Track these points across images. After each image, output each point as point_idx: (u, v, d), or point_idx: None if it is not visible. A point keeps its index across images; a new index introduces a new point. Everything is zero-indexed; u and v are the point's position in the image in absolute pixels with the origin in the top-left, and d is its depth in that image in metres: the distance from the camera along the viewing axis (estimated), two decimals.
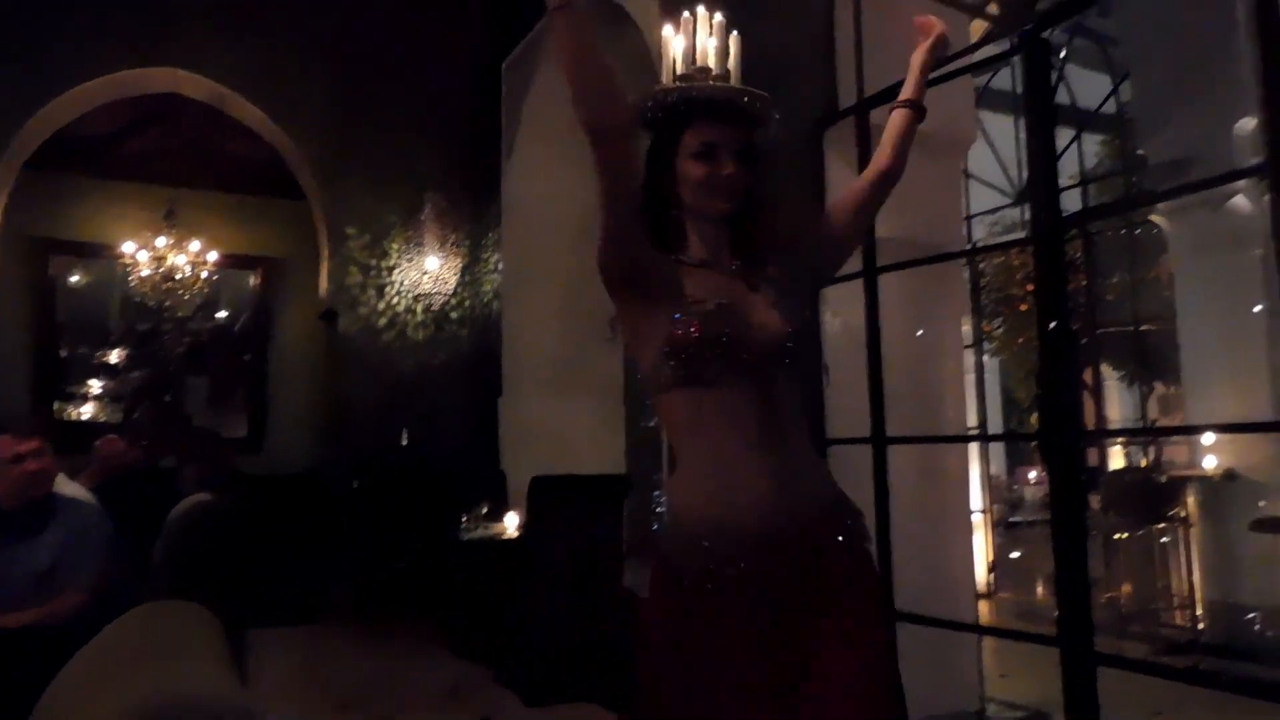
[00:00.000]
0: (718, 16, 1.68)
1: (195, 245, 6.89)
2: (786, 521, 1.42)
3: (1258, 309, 4.92)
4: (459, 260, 6.69)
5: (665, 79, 1.66)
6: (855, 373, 3.11)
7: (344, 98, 6.32)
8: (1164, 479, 5.45)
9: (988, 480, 6.87)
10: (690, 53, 1.66)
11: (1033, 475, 9.93)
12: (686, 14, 1.67)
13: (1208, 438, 5.11)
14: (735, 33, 1.69)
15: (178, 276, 6.87)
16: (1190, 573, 5.03)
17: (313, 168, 6.36)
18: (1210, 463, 5.05)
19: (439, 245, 6.62)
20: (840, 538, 1.47)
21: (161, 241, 6.78)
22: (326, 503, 5.89)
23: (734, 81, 1.67)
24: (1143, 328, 7.35)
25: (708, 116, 1.57)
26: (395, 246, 6.51)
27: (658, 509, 5.64)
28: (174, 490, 4.29)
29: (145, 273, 6.78)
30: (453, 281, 6.66)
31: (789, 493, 1.44)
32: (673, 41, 1.67)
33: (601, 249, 1.51)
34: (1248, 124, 4.65)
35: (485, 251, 6.54)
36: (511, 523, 4.65)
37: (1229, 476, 4.92)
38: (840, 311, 3.27)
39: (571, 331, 5.90)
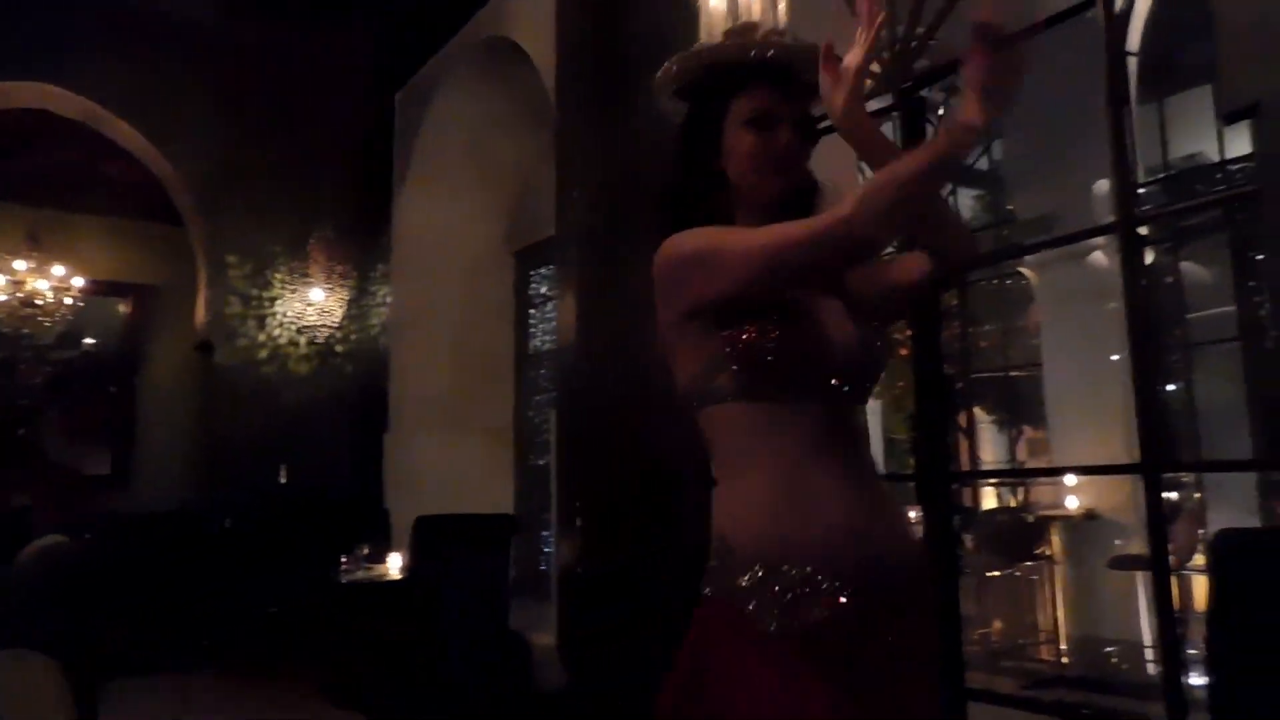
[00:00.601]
0: None
1: (59, 270, 6.51)
2: (879, 563, 1.19)
3: (1116, 357, 5.24)
4: (346, 292, 6.53)
5: (705, 37, 1.46)
6: None
7: (228, 121, 6.12)
8: (1031, 519, 5.72)
9: None
10: (734, 6, 1.45)
11: (912, 515, 10.23)
12: None
13: (1070, 479, 5.38)
14: None
15: (38, 302, 6.46)
16: (1055, 609, 5.26)
17: (192, 192, 6.12)
18: (1073, 503, 5.33)
19: (325, 276, 6.44)
20: (919, 588, 1.26)
21: (21, 265, 6.38)
22: (199, 543, 5.59)
23: (788, 39, 1.43)
24: (1012, 373, 7.74)
25: (763, 80, 1.32)
26: (278, 276, 6.30)
27: (546, 550, 5.58)
28: (26, 532, 4.00)
29: (2, 298, 6.36)
30: (339, 314, 6.48)
31: (879, 530, 1.22)
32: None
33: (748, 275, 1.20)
34: (1104, 184, 4.99)
35: (374, 284, 6.40)
36: (394, 564, 4.51)
37: (1090, 516, 5.19)
38: None
39: (462, 370, 5.82)
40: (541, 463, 5.96)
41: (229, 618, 5.45)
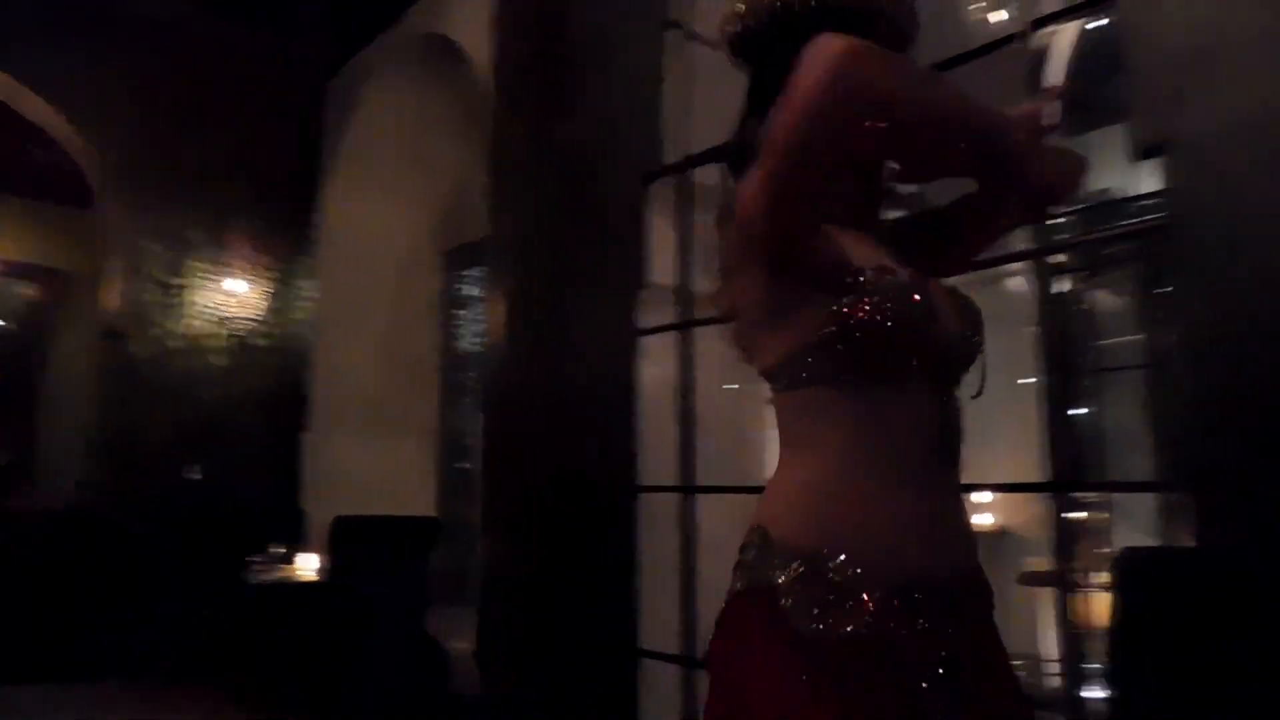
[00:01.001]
0: None
1: None
2: (940, 572, 1.07)
3: (1030, 380, 5.42)
4: (269, 285, 6.36)
5: None
6: (668, 421, 3.17)
7: (150, 103, 5.90)
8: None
9: None
10: None
11: None
12: None
13: (984, 496, 5.53)
14: None
15: None
16: None
17: (109, 175, 5.89)
18: (986, 520, 5.48)
19: (248, 267, 6.26)
20: (981, 600, 1.15)
21: None
22: (102, 542, 5.36)
23: None
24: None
25: (858, 27, 1.09)
26: (198, 266, 6.10)
27: (471, 554, 5.51)
28: None
29: None
30: (261, 306, 6.31)
31: (944, 535, 1.11)
32: None
33: (766, 211, 1.05)
34: None
35: (298, 278, 6.25)
36: (309, 565, 4.40)
37: (1001, 533, 5.35)
38: (655, 361, 3.34)
39: (387, 369, 5.72)
40: (465, 466, 5.89)
41: (134, 622, 5.23)
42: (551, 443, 3.58)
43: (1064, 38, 6.41)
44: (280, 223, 6.34)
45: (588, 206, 3.54)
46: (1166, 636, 1.56)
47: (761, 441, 3.64)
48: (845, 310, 1.05)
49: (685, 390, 3.15)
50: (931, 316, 1.09)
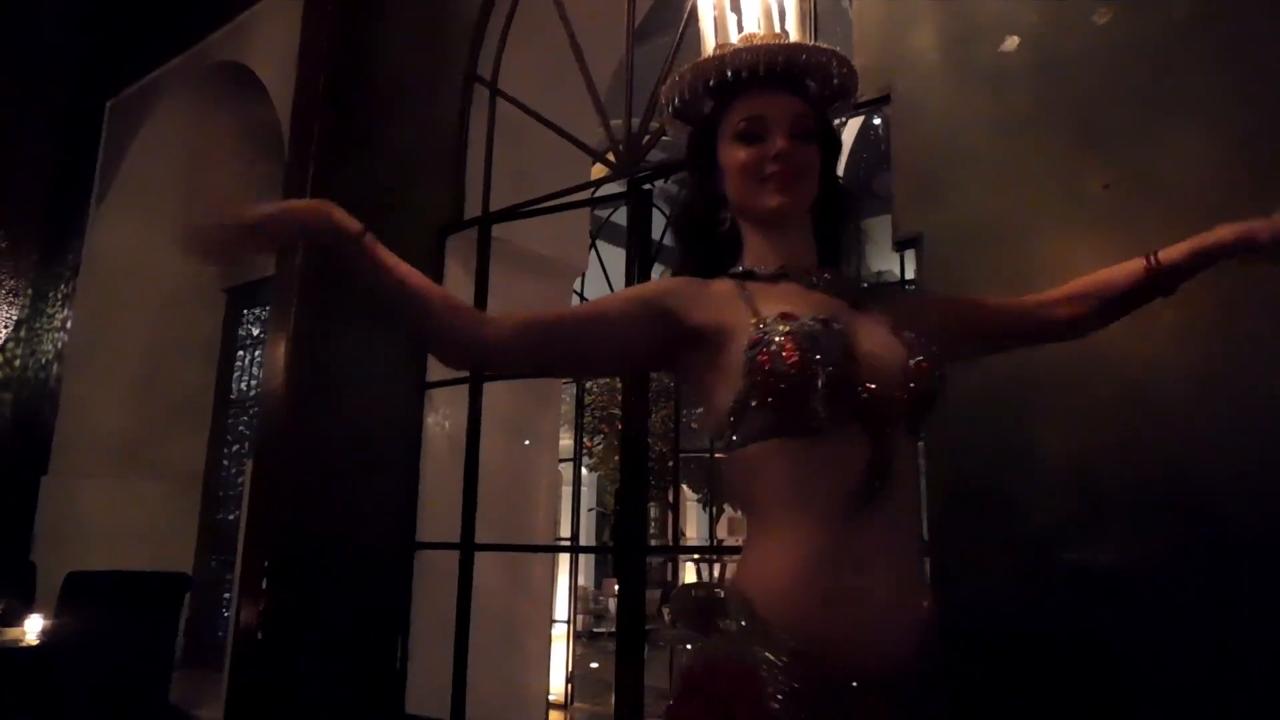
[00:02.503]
0: None
1: None
2: (905, 648, 1.05)
3: None
4: (15, 311, 5.73)
5: (706, 54, 1.34)
6: (449, 476, 3.10)
7: None
8: (723, 594, 6.03)
9: (575, 591, 7.12)
10: (723, 25, 1.33)
11: (617, 587, 10.49)
12: None
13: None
14: None
15: None
16: None
17: None
18: None
19: None
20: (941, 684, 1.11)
21: None
22: None
23: (798, 39, 1.32)
24: (718, 455, 8.22)
25: (752, 86, 1.23)
26: None
27: (225, 612, 5.10)
28: None
29: None
30: (1, 335, 5.66)
31: (912, 614, 1.08)
32: (702, 3, 1.34)
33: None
34: None
35: (52, 305, 5.67)
36: (33, 627, 3.90)
37: None
38: (441, 414, 3.27)
39: (147, 409, 5.26)
40: (232, 517, 5.48)
41: None
42: (325, 494, 3.40)
43: (848, 132, 6.97)
44: (37, 244, 5.75)
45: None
46: None
47: (541, 500, 3.63)
48: (760, 360, 1.06)
49: (471, 445, 3.09)
50: (844, 358, 1.06)
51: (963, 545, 1.91)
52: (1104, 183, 1.85)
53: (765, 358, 1.05)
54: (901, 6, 2.26)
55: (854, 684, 1.01)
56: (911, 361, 1.12)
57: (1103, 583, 1.72)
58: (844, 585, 1.03)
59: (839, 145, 1.29)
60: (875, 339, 1.13)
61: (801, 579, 1.05)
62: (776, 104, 1.22)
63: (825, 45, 1.28)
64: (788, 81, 1.25)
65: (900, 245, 2.19)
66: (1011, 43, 2.04)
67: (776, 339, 1.06)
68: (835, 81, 1.29)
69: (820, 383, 1.04)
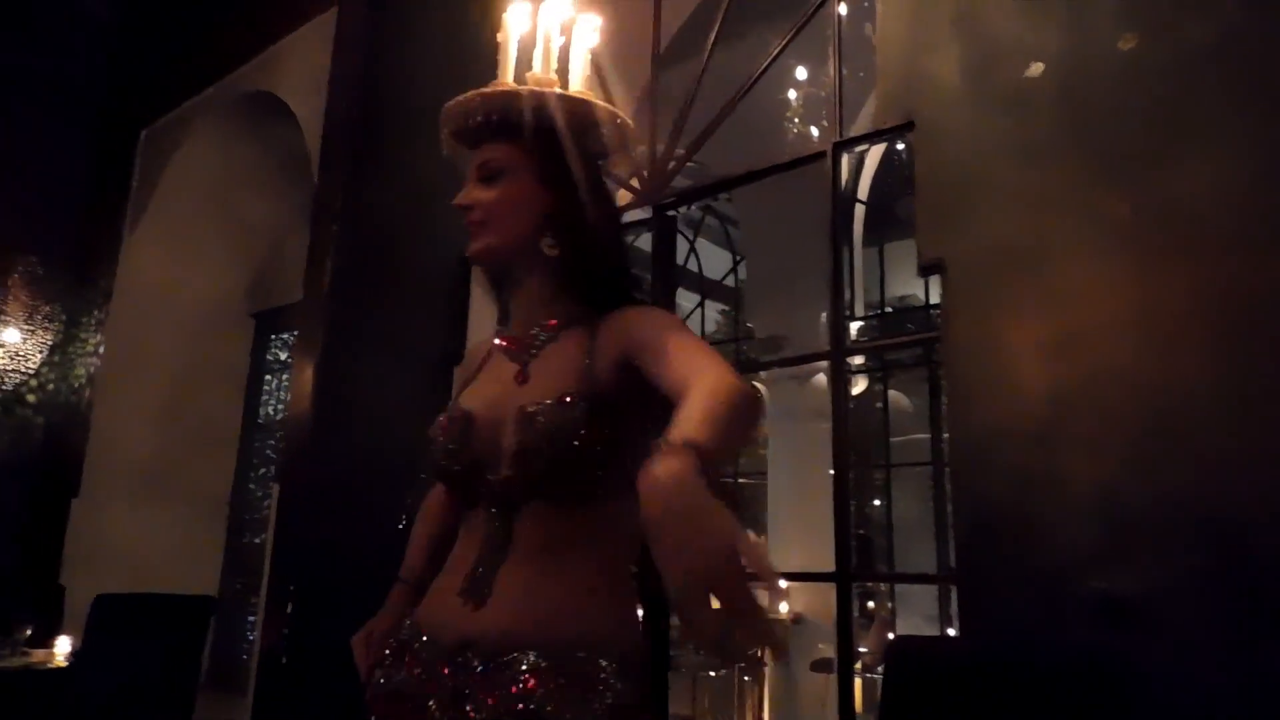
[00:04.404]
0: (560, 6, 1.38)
1: None
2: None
3: (830, 472, 5.71)
4: (49, 336, 5.82)
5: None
6: None
7: None
8: None
9: None
10: (505, 55, 1.35)
11: (639, 613, 10.42)
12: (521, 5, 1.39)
13: (783, 583, 5.72)
14: (585, 19, 1.40)
15: None
16: (762, 709, 5.51)
17: None
18: (784, 607, 5.65)
19: (25, 315, 5.72)
20: None
21: None
22: None
23: (581, 84, 1.34)
24: (741, 480, 8.19)
25: (483, 133, 1.26)
26: None
27: (250, 636, 5.13)
28: None
29: None
30: (36, 359, 5.75)
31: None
32: (509, 42, 1.37)
33: None
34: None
35: (85, 330, 5.76)
36: (63, 649, 3.94)
37: (797, 620, 5.53)
38: None
39: (177, 434, 5.33)
40: (258, 540, 5.52)
41: None
42: (350, 518, 3.42)
43: (871, 157, 6.97)
44: (71, 270, 5.85)
45: (407, 277, 3.49)
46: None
47: None
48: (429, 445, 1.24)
49: None
50: (453, 454, 1.19)
51: (988, 572, 1.90)
52: (1131, 204, 1.85)
53: (429, 443, 1.24)
54: (924, 33, 2.28)
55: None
56: (511, 442, 1.14)
57: (1129, 610, 1.70)
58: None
59: (569, 183, 1.23)
60: (511, 419, 1.15)
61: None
62: (480, 154, 1.25)
63: (518, 88, 1.27)
64: (504, 128, 1.24)
65: (925, 270, 2.19)
66: (1036, 69, 2.04)
67: (437, 424, 1.24)
68: (516, 119, 1.25)
69: (450, 470, 1.21)
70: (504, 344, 1.27)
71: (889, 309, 9.41)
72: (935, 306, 7.20)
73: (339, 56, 4.06)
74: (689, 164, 3.20)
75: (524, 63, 1.36)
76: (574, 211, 1.21)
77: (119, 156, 5.71)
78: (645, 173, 3.04)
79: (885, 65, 2.34)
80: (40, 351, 5.78)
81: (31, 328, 5.74)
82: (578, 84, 1.35)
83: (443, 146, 1.36)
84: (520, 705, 1.06)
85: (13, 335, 5.64)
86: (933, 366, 6.72)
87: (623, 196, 3.73)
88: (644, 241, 3.21)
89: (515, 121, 1.24)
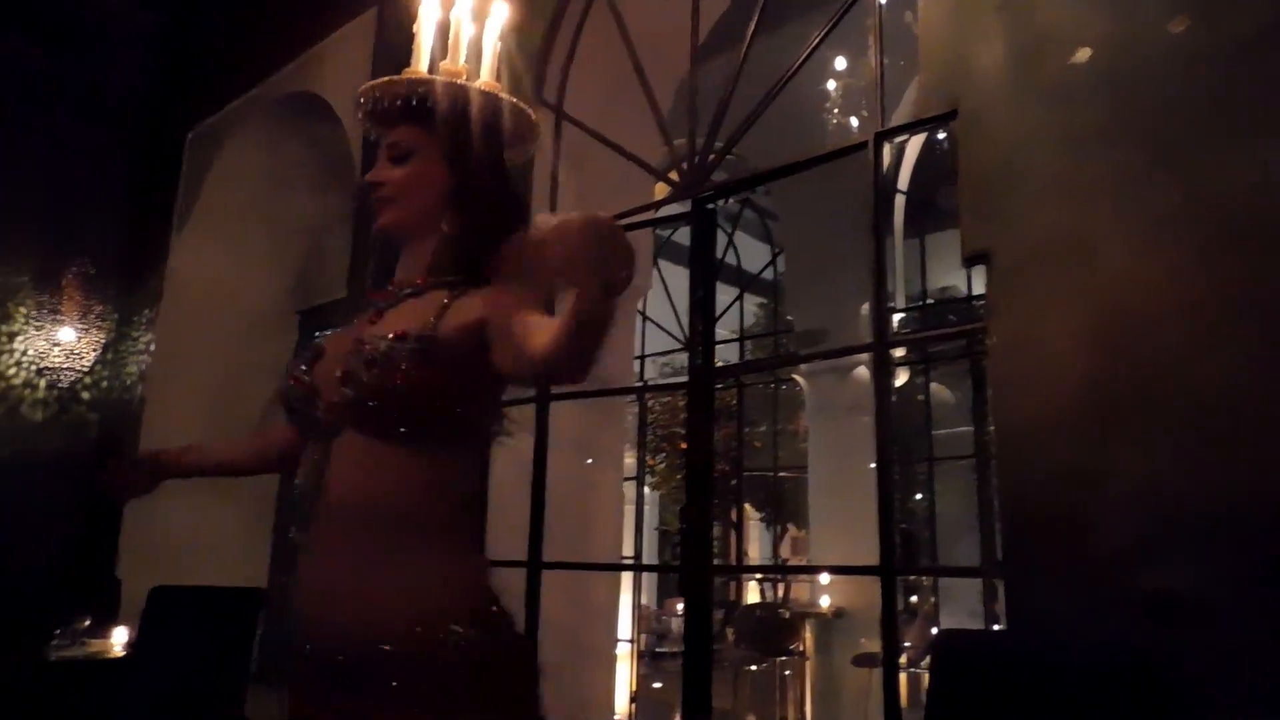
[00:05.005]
0: None
1: None
2: (346, 641, 1.19)
3: (871, 466, 5.66)
4: (102, 335, 5.97)
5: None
6: (515, 495, 3.13)
7: None
8: (787, 615, 5.98)
9: (638, 610, 7.11)
10: (418, 46, 1.46)
11: (680, 606, 10.45)
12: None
13: (824, 577, 5.70)
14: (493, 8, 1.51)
15: None
16: (805, 703, 5.49)
17: None
18: (825, 601, 5.63)
19: (79, 315, 5.87)
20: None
21: None
22: None
23: (489, 75, 1.46)
24: (781, 474, 8.16)
25: (394, 116, 1.39)
26: (23, 310, 5.68)
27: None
28: None
29: None
30: (90, 358, 5.90)
31: (347, 604, 1.19)
32: (422, 31, 1.47)
33: None
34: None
35: (136, 329, 5.90)
36: (120, 640, 4.05)
37: (839, 614, 5.50)
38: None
39: (227, 430, 5.42)
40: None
41: None
42: None
43: (911, 146, 6.90)
44: (123, 270, 6.00)
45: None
46: (976, 715, 1.64)
47: (605, 519, 3.64)
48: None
49: (539, 464, 3.13)
50: (298, 374, 1.31)
51: (1035, 566, 1.87)
52: (1182, 195, 1.81)
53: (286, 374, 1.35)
54: (968, 21, 2.25)
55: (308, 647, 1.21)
56: (340, 371, 1.22)
57: (1178, 607, 1.67)
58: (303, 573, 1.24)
59: (467, 161, 1.35)
60: (345, 347, 1.25)
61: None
62: (392, 134, 1.38)
63: (429, 77, 1.39)
64: (413, 113, 1.36)
65: (969, 262, 2.17)
66: (1082, 55, 2.01)
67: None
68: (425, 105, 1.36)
69: (291, 397, 1.31)
70: (374, 296, 1.40)
71: (930, 301, 9.31)
72: (977, 298, 7.11)
73: (380, 55, 4.11)
74: (727, 157, 3.19)
75: (440, 50, 1.47)
76: (473, 192, 1.34)
77: (166, 159, 5.83)
78: (684, 166, 3.04)
79: (927, 53, 2.31)
80: (94, 350, 5.92)
81: (85, 327, 5.89)
82: (487, 73, 1.47)
83: (360, 127, 1.48)
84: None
85: (68, 334, 5.79)
86: (975, 359, 6.64)
87: (661, 190, 3.73)
88: (682, 235, 3.21)
89: (422, 107, 1.36)
